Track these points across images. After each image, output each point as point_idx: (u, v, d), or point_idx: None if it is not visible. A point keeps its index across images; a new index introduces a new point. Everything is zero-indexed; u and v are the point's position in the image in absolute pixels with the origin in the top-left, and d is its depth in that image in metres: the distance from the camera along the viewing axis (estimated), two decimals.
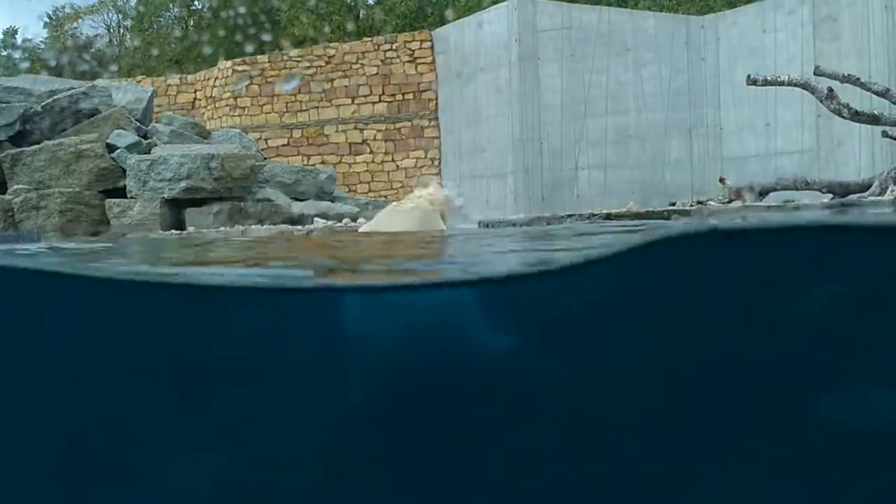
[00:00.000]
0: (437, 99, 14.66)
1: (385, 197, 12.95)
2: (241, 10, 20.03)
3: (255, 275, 1.28)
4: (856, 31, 11.65)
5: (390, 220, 3.72)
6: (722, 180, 9.52)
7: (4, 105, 9.17)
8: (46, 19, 25.18)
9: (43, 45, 25.37)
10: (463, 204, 3.90)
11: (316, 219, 8.43)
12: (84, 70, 20.07)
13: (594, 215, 7.54)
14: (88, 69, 20.58)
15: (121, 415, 0.93)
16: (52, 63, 21.97)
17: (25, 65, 22.85)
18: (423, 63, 14.70)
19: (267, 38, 18.63)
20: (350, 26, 20.12)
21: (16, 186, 8.75)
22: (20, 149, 8.99)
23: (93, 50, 24.01)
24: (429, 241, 2.57)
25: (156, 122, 10.71)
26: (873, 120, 8.55)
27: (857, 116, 8.42)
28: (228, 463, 0.93)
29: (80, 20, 25.68)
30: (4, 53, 25.92)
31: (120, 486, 0.93)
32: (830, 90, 8.36)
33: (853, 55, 11.43)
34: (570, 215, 8.06)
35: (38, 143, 9.02)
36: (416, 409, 0.89)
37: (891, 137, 8.80)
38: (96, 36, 25.88)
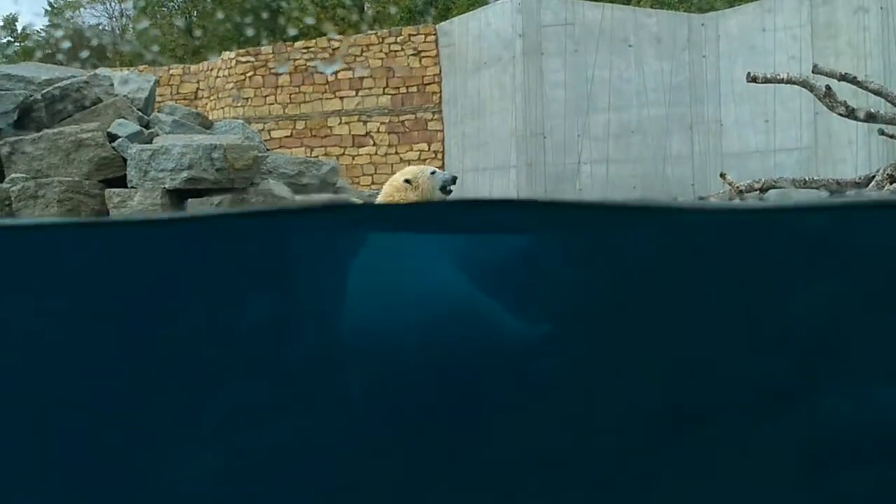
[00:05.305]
0: (440, 92, 14.68)
1: None
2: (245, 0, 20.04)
3: None
4: (852, 31, 11.68)
5: None
6: (723, 176, 9.54)
7: (3, 93, 9.02)
8: (47, 7, 25.16)
9: (44, 33, 25.38)
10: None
11: None
12: (85, 59, 20.07)
13: None
14: (90, 58, 20.58)
15: None
16: (53, 51, 21.97)
17: (26, 52, 22.81)
18: (427, 56, 14.72)
19: (271, 28, 18.64)
20: (354, 18, 20.12)
21: (14, 175, 8.61)
22: (19, 137, 8.91)
23: (94, 38, 24.02)
24: None
25: (158, 111, 10.68)
26: (870, 118, 8.57)
27: (854, 114, 8.45)
28: None
29: (82, 8, 25.67)
30: (4, 41, 25.88)
31: None
32: (828, 88, 8.38)
33: (850, 55, 11.47)
34: None
35: (38, 131, 8.94)
36: None
37: (887, 135, 8.84)
38: (98, 24, 25.90)
